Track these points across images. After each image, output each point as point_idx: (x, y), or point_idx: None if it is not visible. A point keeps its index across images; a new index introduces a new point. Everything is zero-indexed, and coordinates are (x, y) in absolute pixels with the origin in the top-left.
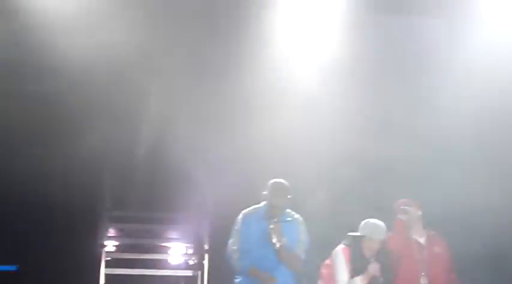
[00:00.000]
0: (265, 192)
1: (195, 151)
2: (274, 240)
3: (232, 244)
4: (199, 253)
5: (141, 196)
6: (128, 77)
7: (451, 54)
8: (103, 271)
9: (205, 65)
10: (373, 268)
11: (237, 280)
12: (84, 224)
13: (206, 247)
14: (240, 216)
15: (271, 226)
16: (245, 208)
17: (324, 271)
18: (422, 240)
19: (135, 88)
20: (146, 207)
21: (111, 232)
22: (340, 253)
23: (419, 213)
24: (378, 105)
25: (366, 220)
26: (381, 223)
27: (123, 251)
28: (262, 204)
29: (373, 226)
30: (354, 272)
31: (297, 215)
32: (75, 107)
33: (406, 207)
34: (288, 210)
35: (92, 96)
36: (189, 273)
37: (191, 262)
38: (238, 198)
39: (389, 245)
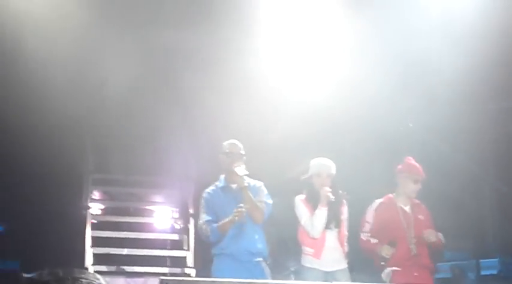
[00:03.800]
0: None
1: (175, 117)
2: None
3: (200, 219)
4: (184, 217)
5: (125, 160)
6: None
7: None
8: (89, 233)
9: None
10: (323, 192)
11: (214, 264)
12: (68, 186)
13: (191, 211)
14: (203, 194)
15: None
16: None
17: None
18: (407, 208)
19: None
20: (130, 170)
21: (97, 195)
22: (297, 200)
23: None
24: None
25: (313, 160)
26: (326, 160)
27: (109, 214)
28: (221, 177)
29: (318, 163)
30: (314, 209)
31: (256, 180)
32: (57, 72)
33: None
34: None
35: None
36: (175, 237)
37: (177, 226)
38: None
39: (378, 213)
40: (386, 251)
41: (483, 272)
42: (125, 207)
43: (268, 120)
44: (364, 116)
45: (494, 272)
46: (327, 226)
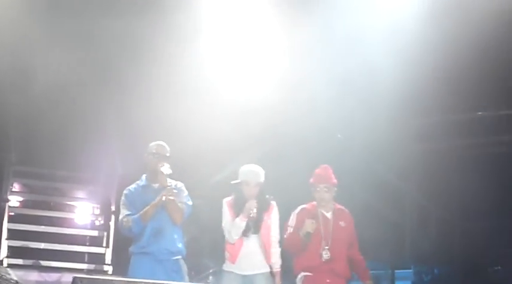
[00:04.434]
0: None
1: (105, 112)
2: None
3: (121, 214)
4: (106, 213)
5: (48, 153)
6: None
7: None
8: (6, 225)
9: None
10: (249, 204)
11: (132, 262)
12: None
13: (113, 208)
14: (124, 191)
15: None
16: None
17: None
18: (329, 215)
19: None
20: (54, 164)
21: (16, 187)
22: (224, 202)
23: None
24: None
25: (243, 166)
26: (256, 167)
27: (28, 207)
28: (143, 176)
29: (247, 170)
30: (237, 215)
31: (177, 181)
32: None
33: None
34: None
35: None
36: (94, 233)
37: (97, 223)
38: None
39: (300, 217)
40: (310, 225)
41: (397, 283)
42: (45, 201)
43: (203, 121)
44: (301, 120)
45: (408, 283)
46: (244, 234)
